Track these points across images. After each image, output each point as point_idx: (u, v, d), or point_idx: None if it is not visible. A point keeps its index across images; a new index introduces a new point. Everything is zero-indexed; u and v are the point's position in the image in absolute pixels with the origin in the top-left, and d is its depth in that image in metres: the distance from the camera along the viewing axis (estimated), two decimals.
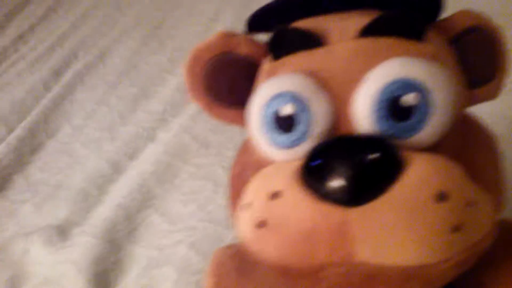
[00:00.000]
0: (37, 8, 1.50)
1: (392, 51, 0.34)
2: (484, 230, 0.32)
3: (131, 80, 1.06)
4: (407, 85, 0.33)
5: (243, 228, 0.35)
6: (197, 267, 0.61)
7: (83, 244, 0.67)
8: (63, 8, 1.47)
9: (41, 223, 0.74)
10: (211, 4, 1.27)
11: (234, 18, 1.17)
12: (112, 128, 0.93)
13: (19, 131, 0.95)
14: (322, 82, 0.35)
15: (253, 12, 0.40)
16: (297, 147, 0.35)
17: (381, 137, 0.33)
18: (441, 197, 0.30)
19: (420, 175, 0.31)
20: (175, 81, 1.00)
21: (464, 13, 0.38)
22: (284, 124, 0.35)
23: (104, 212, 0.73)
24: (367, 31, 0.35)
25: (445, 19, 0.39)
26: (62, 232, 0.71)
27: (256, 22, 0.41)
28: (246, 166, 0.40)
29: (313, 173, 0.32)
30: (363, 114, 0.33)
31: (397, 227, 0.30)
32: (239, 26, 0.42)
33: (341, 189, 0.30)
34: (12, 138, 0.93)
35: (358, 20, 0.36)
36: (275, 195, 0.32)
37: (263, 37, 0.39)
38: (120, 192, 0.76)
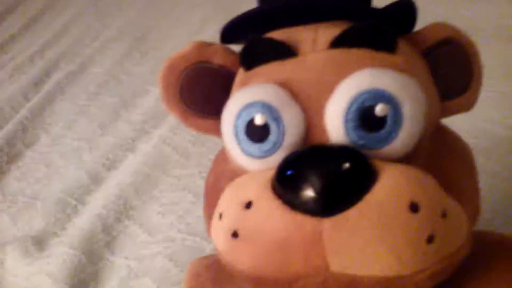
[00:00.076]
0: (19, 18, 1.49)
1: (363, 62, 0.34)
2: (459, 241, 0.32)
3: (112, 90, 1.06)
4: (378, 96, 0.33)
5: (217, 239, 0.35)
6: (175, 279, 0.60)
7: (60, 255, 0.66)
8: (46, 18, 1.46)
9: (18, 233, 0.73)
10: (196, 16, 1.27)
11: (218, 31, 1.17)
12: (91, 138, 0.92)
13: None
14: (294, 92, 0.35)
15: (225, 24, 0.40)
16: (269, 157, 0.34)
17: (353, 147, 0.33)
18: (413, 207, 0.30)
19: (391, 185, 0.31)
20: (156, 92, 0.99)
21: (438, 26, 0.39)
22: (256, 134, 0.35)
23: (82, 222, 0.72)
24: (339, 42, 0.35)
25: (419, 31, 0.39)
26: (38, 242, 0.70)
27: (229, 33, 0.41)
28: (220, 176, 0.40)
29: (285, 183, 0.32)
30: (335, 124, 0.33)
31: (370, 237, 0.30)
32: None
33: (314, 199, 0.30)
34: None
35: (330, 31, 0.36)
36: (248, 205, 0.32)
37: (238, 48, 0.39)
38: (98, 202, 0.75)
